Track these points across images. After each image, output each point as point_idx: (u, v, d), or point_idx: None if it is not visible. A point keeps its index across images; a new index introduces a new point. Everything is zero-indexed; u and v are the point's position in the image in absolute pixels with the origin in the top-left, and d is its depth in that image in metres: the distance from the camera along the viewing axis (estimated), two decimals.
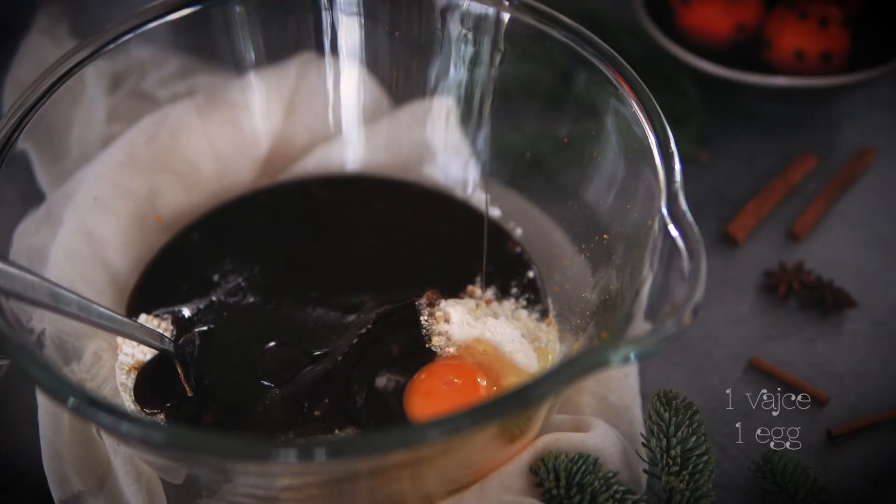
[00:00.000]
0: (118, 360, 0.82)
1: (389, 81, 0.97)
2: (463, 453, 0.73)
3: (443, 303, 0.84)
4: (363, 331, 0.81)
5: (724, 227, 0.98)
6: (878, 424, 0.84)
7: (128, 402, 0.80)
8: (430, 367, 0.80)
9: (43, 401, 0.79)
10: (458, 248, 0.91)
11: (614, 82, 0.80)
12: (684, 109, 1.04)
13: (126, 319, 0.80)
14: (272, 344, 0.82)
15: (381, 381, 0.80)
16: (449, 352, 0.81)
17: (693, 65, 1.02)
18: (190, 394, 0.79)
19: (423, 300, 0.85)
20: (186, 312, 0.85)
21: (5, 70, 1.03)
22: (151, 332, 0.81)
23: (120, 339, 0.83)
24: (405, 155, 0.96)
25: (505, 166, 0.94)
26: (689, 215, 0.71)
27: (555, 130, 0.91)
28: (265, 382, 0.80)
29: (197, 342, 0.82)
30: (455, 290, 0.86)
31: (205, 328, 0.83)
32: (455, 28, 0.90)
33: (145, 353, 0.82)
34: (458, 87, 0.93)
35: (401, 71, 0.96)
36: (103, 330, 0.77)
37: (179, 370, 0.80)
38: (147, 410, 0.79)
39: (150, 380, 0.81)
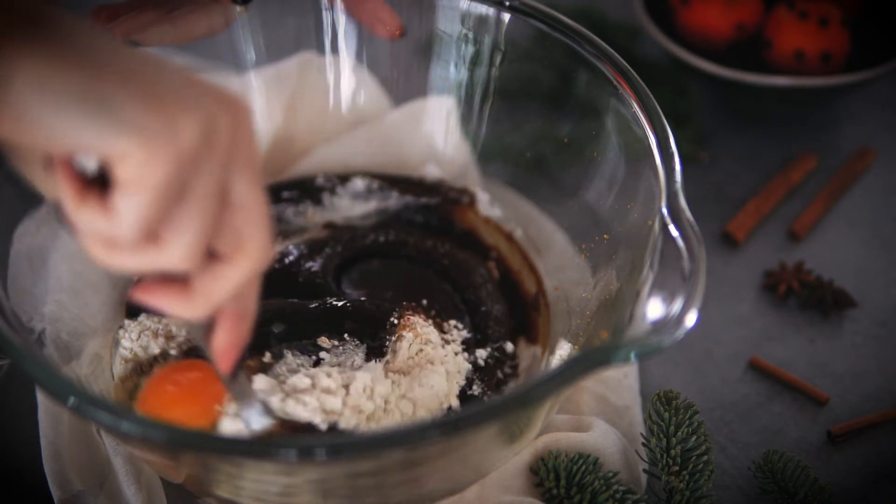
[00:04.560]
0: (117, 354, 0.82)
1: (389, 81, 0.97)
2: (463, 453, 0.73)
3: (419, 325, 0.82)
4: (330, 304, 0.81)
5: (724, 226, 0.98)
6: (877, 424, 0.84)
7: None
8: (169, 367, 0.79)
9: (43, 401, 0.79)
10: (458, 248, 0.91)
11: (614, 82, 0.80)
12: (684, 109, 1.04)
13: None
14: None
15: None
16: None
17: (693, 65, 1.02)
18: None
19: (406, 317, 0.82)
20: None
21: None
22: None
23: (120, 333, 0.83)
24: (405, 155, 0.96)
25: (505, 166, 0.94)
26: (689, 215, 0.71)
27: (555, 130, 0.91)
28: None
29: None
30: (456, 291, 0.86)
31: None
32: (455, 28, 0.90)
33: (144, 349, 0.81)
34: (458, 87, 0.93)
35: (401, 71, 0.96)
36: None
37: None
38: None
39: None
